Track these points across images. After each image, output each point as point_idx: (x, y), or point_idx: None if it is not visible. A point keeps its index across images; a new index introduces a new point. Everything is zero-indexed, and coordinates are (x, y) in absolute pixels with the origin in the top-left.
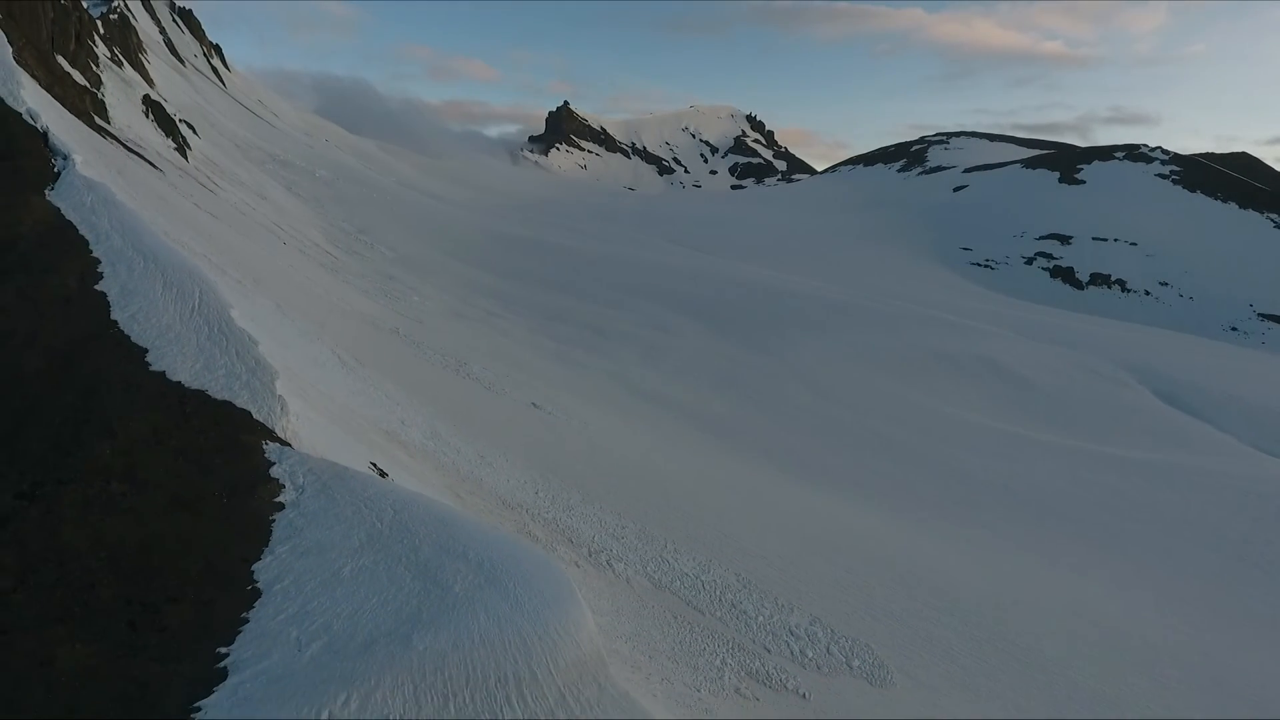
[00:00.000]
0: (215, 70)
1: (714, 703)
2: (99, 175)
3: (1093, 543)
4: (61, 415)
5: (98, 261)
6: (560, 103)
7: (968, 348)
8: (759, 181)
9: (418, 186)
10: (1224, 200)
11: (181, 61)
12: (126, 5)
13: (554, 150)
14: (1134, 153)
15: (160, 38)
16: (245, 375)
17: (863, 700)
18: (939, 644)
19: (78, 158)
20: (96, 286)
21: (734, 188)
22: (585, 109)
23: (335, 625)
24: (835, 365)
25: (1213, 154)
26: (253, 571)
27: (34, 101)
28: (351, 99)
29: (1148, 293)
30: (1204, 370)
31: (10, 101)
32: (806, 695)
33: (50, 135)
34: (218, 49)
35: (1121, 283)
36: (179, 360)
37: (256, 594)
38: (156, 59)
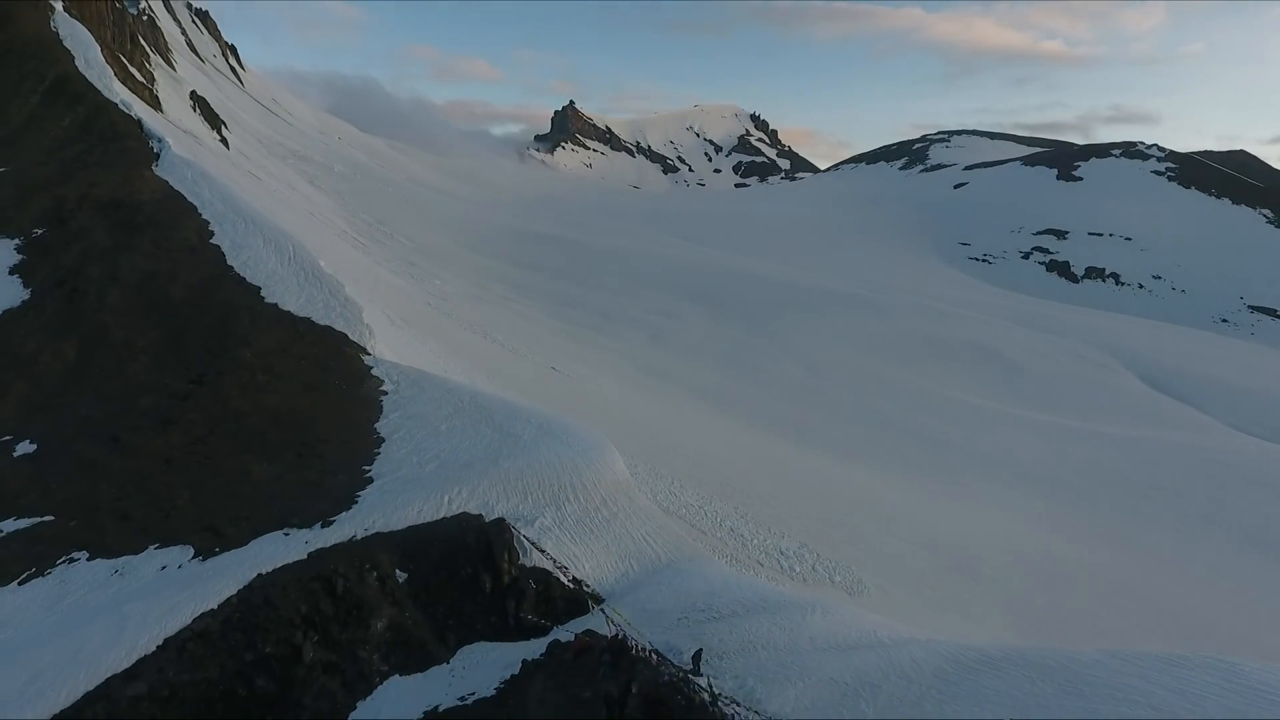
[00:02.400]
0: (233, 69)
1: None
2: (189, 156)
3: (1065, 503)
4: (207, 330)
5: (208, 222)
6: (563, 102)
7: (960, 334)
8: (763, 180)
9: (429, 183)
10: (1218, 196)
11: (202, 60)
12: (150, 7)
13: (560, 149)
14: (1130, 150)
15: (182, 38)
16: (339, 308)
17: None
18: (912, 570)
19: (170, 140)
20: (212, 240)
21: (738, 186)
22: (588, 108)
23: (443, 454)
24: (832, 348)
25: (1210, 152)
26: (375, 428)
27: (124, 94)
28: (361, 98)
29: (1141, 286)
30: (1189, 357)
31: (106, 94)
32: None
33: (144, 122)
34: (233, 49)
35: (1115, 276)
36: (286, 295)
37: (381, 440)
38: (182, 59)
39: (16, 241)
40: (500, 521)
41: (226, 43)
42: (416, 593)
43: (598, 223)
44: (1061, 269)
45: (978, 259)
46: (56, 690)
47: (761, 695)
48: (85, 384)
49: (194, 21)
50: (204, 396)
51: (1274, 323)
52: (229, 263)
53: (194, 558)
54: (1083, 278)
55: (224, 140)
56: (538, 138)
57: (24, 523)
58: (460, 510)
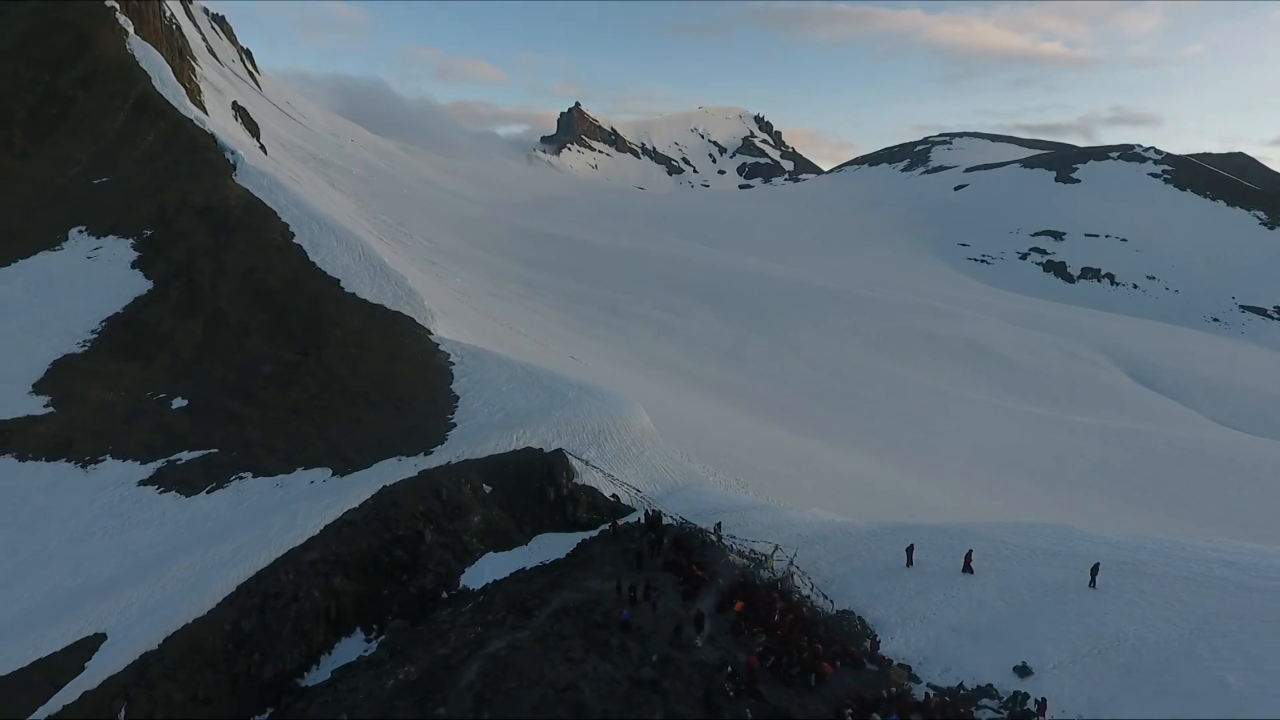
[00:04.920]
0: (250, 74)
1: None
2: (261, 166)
3: (1044, 485)
4: (304, 314)
5: (287, 224)
6: (566, 104)
7: (955, 331)
8: (766, 181)
9: (441, 184)
10: (1213, 199)
11: (222, 65)
12: (174, 13)
13: (566, 150)
14: (1128, 153)
15: (203, 43)
16: (405, 297)
17: None
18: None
19: (242, 153)
20: (294, 240)
21: (742, 187)
22: (592, 110)
23: (507, 407)
24: (830, 344)
25: (1209, 154)
26: (451, 389)
27: (195, 110)
28: (369, 100)
29: (1136, 286)
30: (1179, 355)
31: (183, 110)
32: None
33: (217, 136)
34: (248, 53)
35: (1111, 276)
36: (361, 286)
37: (457, 397)
38: (204, 64)
39: (131, 241)
40: (559, 451)
41: (242, 47)
42: (499, 499)
43: (605, 223)
44: (1058, 269)
45: (976, 259)
46: (254, 557)
47: (752, 542)
48: (215, 355)
49: (212, 27)
50: (312, 365)
51: (1264, 322)
52: (311, 259)
53: (333, 475)
54: (1078, 278)
55: (262, 147)
56: (544, 139)
57: (195, 454)
58: (526, 445)
